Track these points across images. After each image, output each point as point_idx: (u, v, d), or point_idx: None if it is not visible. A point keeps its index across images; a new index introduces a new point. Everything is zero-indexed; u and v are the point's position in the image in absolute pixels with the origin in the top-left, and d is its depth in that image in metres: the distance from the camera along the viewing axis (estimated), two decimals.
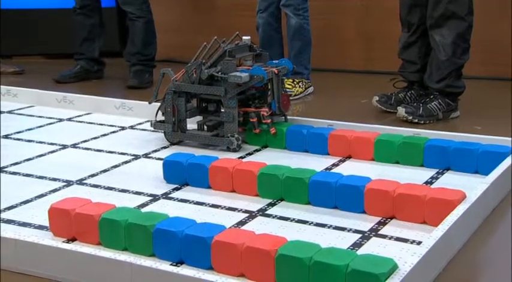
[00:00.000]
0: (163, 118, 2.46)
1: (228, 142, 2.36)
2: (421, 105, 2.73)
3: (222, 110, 2.40)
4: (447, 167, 2.14)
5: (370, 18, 3.77)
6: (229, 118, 2.35)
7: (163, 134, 2.48)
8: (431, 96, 2.77)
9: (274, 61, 2.51)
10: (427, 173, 2.11)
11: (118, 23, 4.31)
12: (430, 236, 1.49)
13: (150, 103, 2.59)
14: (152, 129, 2.57)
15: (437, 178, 2.08)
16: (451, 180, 2.05)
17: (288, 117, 2.54)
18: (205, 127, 2.46)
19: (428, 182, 2.04)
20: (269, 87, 2.41)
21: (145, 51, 3.53)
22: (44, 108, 3.01)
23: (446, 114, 2.77)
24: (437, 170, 2.14)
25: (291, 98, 3.16)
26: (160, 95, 2.47)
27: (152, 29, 3.57)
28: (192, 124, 2.51)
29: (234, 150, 2.35)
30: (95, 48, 3.66)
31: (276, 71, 2.39)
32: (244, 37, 2.49)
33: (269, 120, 2.36)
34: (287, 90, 3.03)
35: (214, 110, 2.46)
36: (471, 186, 1.85)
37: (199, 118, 2.51)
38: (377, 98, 2.87)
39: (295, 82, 3.23)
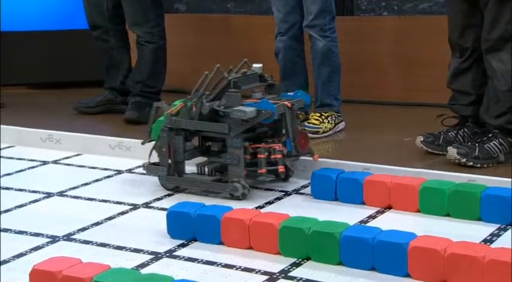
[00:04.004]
0: (158, 160, 2.48)
1: (231, 188, 2.36)
2: (476, 145, 2.72)
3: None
4: (510, 222, 2.12)
5: (411, 40, 3.79)
6: (234, 160, 2.36)
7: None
8: (490, 135, 2.75)
9: (289, 93, 2.53)
10: (485, 229, 2.10)
11: None
12: None
13: (143, 143, 2.61)
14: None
15: (498, 235, 2.06)
16: None
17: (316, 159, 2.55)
18: (206, 170, 2.47)
19: (488, 240, 2.03)
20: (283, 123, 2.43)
21: (151, 82, 3.56)
22: (25, 148, 3.06)
23: (509, 157, 2.75)
24: (498, 225, 2.12)
25: (318, 135, 3.17)
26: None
27: (163, 58, 3.60)
28: (191, 166, 2.53)
29: (238, 199, 2.35)
30: (117, 76, 3.67)
31: (289, 105, 2.41)
32: (254, 65, 2.52)
33: (279, 156, 2.37)
34: (306, 126, 3.06)
35: (218, 150, 2.47)
36: None
37: (201, 160, 2.52)
38: (422, 138, 2.86)
39: (323, 117, 3.24)
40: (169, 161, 2.43)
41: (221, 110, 2.35)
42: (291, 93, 2.53)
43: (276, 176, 2.54)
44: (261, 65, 2.53)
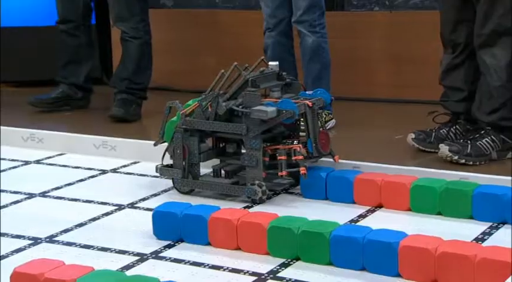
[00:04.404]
0: (171, 162, 2.43)
1: (250, 192, 2.32)
2: (469, 142, 2.73)
3: (243, 152, 2.37)
4: (502, 220, 2.14)
5: (402, 36, 3.81)
6: (252, 162, 2.31)
7: (154, 179, 2.49)
8: (482, 132, 2.77)
9: (307, 92, 2.51)
10: (477, 228, 2.11)
11: (98, 43, 4.37)
12: None
13: (155, 145, 2.57)
14: (139, 173, 2.58)
15: (490, 234, 2.08)
16: (507, 237, 2.04)
17: None
18: (222, 173, 2.44)
19: (479, 239, 2.04)
20: (301, 123, 2.40)
21: (137, 78, 3.57)
22: (6, 148, 3.04)
23: (501, 154, 2.77)
24: (490, 223, 2.14)
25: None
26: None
27: (148, 53, 3.61)
28: (206, 169, 2.50)
29: (261, 201, 2.32)
30: (81, 73, 3.71)
31: (309, 104, 2.38)
32: (271, 63, 2.49)
33: (301, 157, 2.33)
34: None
35: (233, 151, 2.44)
36: None
37: (215, 162, 2.49)
38: (413, 136, 2.88)
39: None
40: (184, 164, 2.39)
41: (240, 110, 2.31)
42: (310, 92, 2.50)
43: (294, 179, 2.48)
44: (277, 63, 2.50)
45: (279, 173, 2.34)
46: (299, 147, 2.33)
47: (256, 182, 2.31)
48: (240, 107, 2.33)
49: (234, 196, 2.39)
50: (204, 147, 2.43)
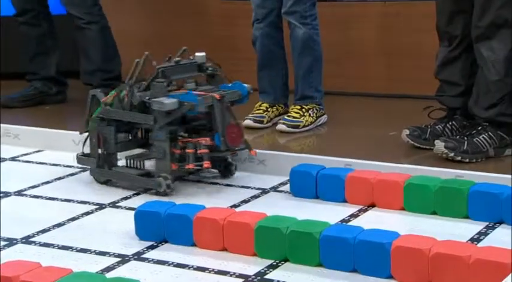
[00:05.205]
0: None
1: (155, 184, 2.41)
2: (465, 138, 2.75)
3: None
4: (499, 219, 2.15)
5: (396, 27, 3.83)
6: (160, 154, 2.41)
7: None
8: (479, 128, 2.79)
9: (228, 84, 2.59)
10: (472, 228, 2.13)
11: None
12: None
13: (81, 133, 2.67)
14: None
15: (486, 234, 2.09)
16: (504, 237, 2.06)
17: (295, 154, 2.56)
18: (135, 163, 2.53)
19: (475, 239, 2.06)
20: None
21: (108, 66, 3.52)
22: None
23: (499, 151, 2.79)
24: (486, 223, 2.16)
25: (299, 129, 3.19)
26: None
27: (111, 38, 3.56)
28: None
29: (164, 194, 2.40)
30: (51, 64, 3.67)
31: (217, 96, 2.45)
32: (197, 54, 2.57)
33: (206, 150, 2.42)
34: (286, 119, 3.08)
35: None
36: None
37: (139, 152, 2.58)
38: (408, 132, 2.90)
39: (304, 110, 3.26)
40: (99, 152, 2.49)
41: (146, 100, 2.41)
42: (229, 84, 2.59)
43: (220, 172, 2.60)
44: (203, 53, 2.58)
45: (186, 166, 2.43)
46: (205, 140, 2.42)
47: (162, 174, 2.39)
48: (148, 98, 2.42)
49: (141, 187, 2.46)
50: (122, 137, 2.52)
